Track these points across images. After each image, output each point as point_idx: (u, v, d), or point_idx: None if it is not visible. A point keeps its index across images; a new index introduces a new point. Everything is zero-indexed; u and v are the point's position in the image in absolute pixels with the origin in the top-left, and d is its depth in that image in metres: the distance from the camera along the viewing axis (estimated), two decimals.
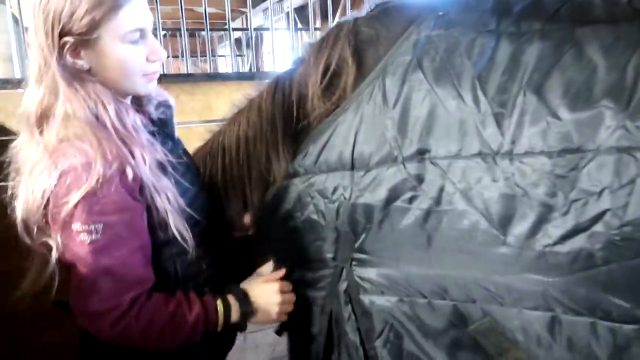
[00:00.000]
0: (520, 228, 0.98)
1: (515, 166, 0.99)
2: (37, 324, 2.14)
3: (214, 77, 2.43)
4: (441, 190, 1.07)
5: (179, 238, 1.08)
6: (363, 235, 1.18)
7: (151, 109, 1.19)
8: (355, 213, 1.18)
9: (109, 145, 0.99)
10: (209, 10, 2.84)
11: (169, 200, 1.06)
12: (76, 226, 0.97)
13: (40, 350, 2.20)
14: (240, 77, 2.53)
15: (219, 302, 1.15)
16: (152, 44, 1.09)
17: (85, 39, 1.01)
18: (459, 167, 1.05)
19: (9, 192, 1.08)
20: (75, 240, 0.98)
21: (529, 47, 1.07)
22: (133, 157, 1.01)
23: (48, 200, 0.99)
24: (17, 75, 2.94)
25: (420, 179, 1.10)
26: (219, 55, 10.07)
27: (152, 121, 1.18)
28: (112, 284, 1.01)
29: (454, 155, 1.06)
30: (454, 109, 1.08)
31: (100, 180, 0.96)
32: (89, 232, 0.97)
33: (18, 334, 2.16)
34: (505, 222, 1.00)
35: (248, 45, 7.61)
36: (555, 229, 0.94)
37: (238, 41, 10.77)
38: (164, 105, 1.23)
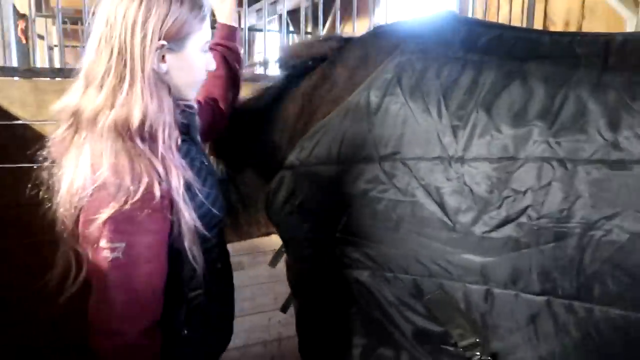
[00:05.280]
0: (465, 217, 1.24)
1: (465, 169, 1.24)
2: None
3: None
4: (407, 184, 1.32)
5: (192, 261, 1.11)
6: (345, 219, 1.44)
7: (177, 115, 1.19)
8: (339, 200, 1.43)
9: (141, 163, 1.01)
10: None
11: (190, 224, 1.09)
12: (102, 242, 1.01)
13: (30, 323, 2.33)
14: None
15: None
16: (210, 56, 1.21)
17: (176, 45, 1.09)
18: (423, 167, 1.31)
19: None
20: (99, 256, 1.01)
21: (486, 74, 1.32)
22: (169, 175, 1.04)
23: (82, 208, 1.02)
24: (14, 63, 3.00)
25: (392, 175, 1.35)
26: None
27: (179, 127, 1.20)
28: (125, 304, 1.04)
29: (419, 157, 1.31)
30: (422, 120, 1.33)
31: (128, 200, 0.99)
32: (112, 250, 1.01)
33: (7, 307, 2.29)
34: (454, 212, 1.25)
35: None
36: (491, 219, 1.20)
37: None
38: (188, 109, 1.24)
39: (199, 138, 1.31)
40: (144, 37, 1.03)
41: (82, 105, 1.05)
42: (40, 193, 1.11)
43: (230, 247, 2.49)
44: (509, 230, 1.17)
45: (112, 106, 1.03)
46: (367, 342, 1.48)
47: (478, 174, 1.22)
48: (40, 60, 5.43)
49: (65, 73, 2.30)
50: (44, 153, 1.11)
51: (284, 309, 1.87)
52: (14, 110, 2.16)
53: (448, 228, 1.27)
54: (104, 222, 0.99)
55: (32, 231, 2.13)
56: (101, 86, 1.04)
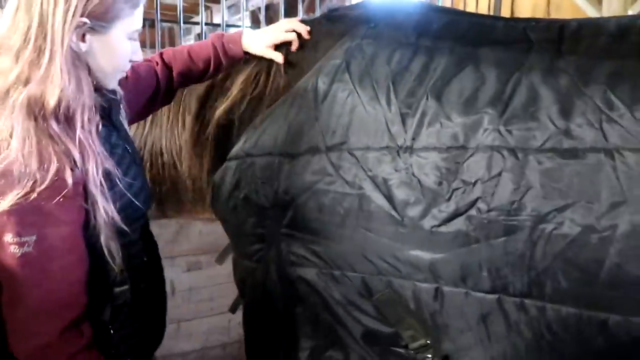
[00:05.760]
0: (414, 211, 1.16)
1: (413, 159, 1.17)
2: None
3: None
4: (355, 176, 1.24)
5: (107, 256, 1.02)
6: (290, 213, 1.34)
7: (97, 98, 1.10)
8: (284, 193, 1.34)
9: (51, 147, 0.92)
10: (171, 2, 2.88)
11: (107, 216, 1.00)
12: (7, 237, 0.91)
13: None
14: None
15: None
16: (137, 45, 1.12)
17: (100, 26, 1.00)
18: (370, 158, 1.23)
19: None
20: (7, 252, 0.92)
21: (438, 59, 1.25)
22: (85, 162, 0.96)
23: None
24: None
25: (338, 166, 1.26)
26: None
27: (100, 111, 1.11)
28: (41, 301, 0.95)
29: (366, 147, 1.23)
30: (371, 108, 1.25)
31: (35, 188, 0.89)
32: (21, 245, 0.91)
33: None
34: (403, 205, 1.17)
35: None
36: (440, 212, 1.12)
37: (200, 36, 10.91)
38: (110, 93, 1.15)
39: (124, 124, 1.22)
40: (66, 11, 0.94)
41: None
42: None
43: (188, 246, 2.36)
44: (458, 224, 1.10)
45: (27, 81, 0.93)
46: (315, 344, 1.39)
47: (427, 165, 1.15)
48: None
49: None
50: None
51: (233, 308, 1.77)
52: None
53: (396, 222, 1.19)
54: (9, 214, 0.89)
55: None
56: (17, 58, 0.94)
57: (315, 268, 1.34)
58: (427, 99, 1.19)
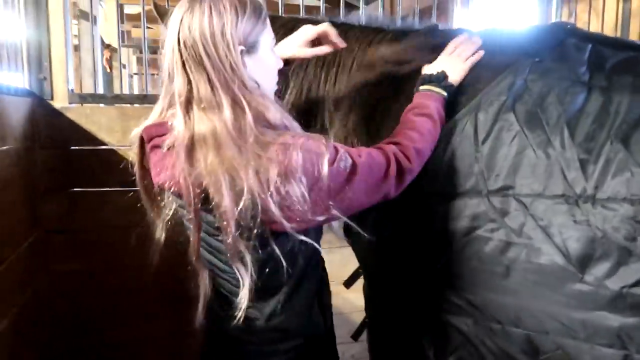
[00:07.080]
0: (598, 268, 1.05)
1: (597, 210, 1.06)
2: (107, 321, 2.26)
3: None
4: (522, 225, 1.15)
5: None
6: (444, 259, 1.28)
7: None
8: (438, 237, 1.27)
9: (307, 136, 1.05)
10: None
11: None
12: (340, 164, 1.04)
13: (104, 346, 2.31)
14: None
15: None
16: (277, 55, 1.21)
17: (252, 46, 1.09)
18: (542, 206, 1.13)
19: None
20: (341, 178, 1.05)
21: (619, 100, 1.14)
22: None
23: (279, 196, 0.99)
24: (100, 91, 2.85)
25: (503, 213, 1.18)
26: None
27: None
28: (378, 166, 1.12)
29: (537, 194, 1.14)
30: (541, 152, 1.16)
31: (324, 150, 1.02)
32: (341, 161, 1.05)
33: (88, 329, 2.27)
34: (583, 261, 1.07)
35: None
36: (633, 271, 1.00)
37: None
38: None
39: None
40: (227, 46, 1.03)
41: (212, 128, 1.01)
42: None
43: None
44: None
45: (244, 111, 1.01)
46: None
47: (615, 217, 1.04)
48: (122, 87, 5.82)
49: (149, 99, 2.36)
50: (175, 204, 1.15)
51: (355, 335, 1.74)
52: (102, 135, 2.22)
53: (573, 279, 1.08)
54: (328, 170, 1.00)
55: (116, 254, 2.16)
56: (218, 107, 1.01)
57: (470, 318, 1.26)
58: (611, 143, 1.08)
